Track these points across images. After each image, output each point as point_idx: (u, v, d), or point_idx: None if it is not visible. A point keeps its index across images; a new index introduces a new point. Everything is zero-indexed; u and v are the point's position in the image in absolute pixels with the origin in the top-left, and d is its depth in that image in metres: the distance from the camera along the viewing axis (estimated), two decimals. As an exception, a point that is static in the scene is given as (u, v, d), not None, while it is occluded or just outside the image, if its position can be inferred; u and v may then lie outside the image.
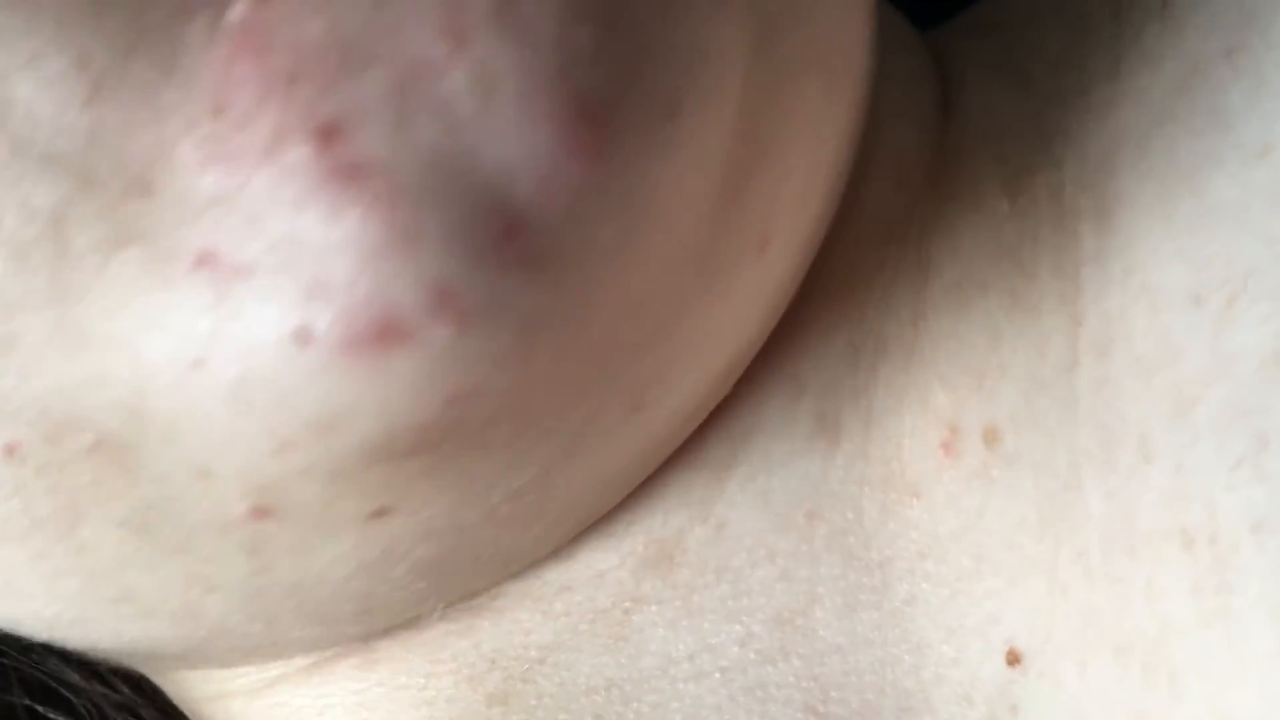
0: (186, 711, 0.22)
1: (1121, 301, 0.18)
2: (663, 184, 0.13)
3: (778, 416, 0.19)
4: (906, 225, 0.20)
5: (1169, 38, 0.19)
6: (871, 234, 0.20)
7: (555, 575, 0.20)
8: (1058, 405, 0.18)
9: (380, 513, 0.15)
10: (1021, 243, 0.19)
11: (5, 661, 0.20)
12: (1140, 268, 0.18)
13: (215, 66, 0.12)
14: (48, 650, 0.20)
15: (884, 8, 0.22)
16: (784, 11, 0.15)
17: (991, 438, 0.19)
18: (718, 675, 0.19)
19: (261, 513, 0.14)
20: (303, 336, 0.12)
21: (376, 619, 0.19)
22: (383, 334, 0.12)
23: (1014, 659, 0.18)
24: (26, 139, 0.12)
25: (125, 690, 0.22)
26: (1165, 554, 0.16)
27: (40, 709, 0.21)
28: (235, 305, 0.12)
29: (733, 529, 0.19)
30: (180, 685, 0.22)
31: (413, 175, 0.12)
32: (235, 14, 0.12)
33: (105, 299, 0.13)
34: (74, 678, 0.21)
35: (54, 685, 0.21)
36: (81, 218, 0.12)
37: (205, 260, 0.12)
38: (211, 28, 0.12)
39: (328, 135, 0.12)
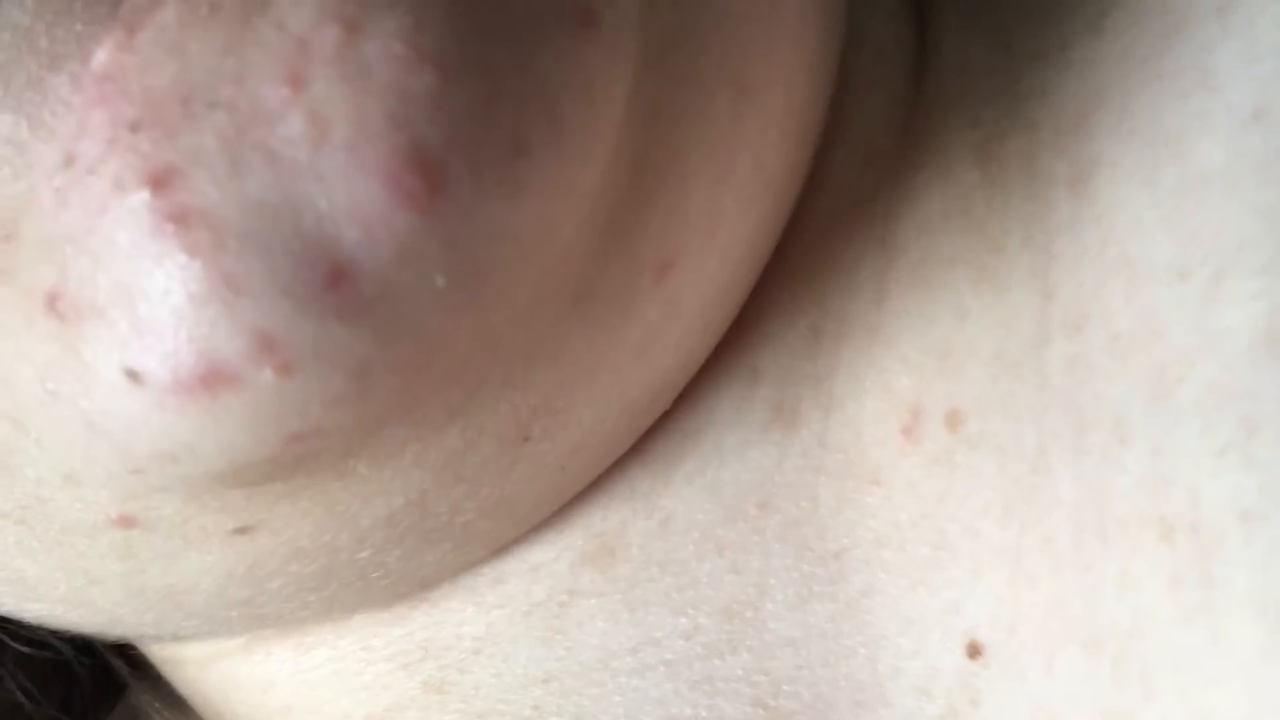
0: (154, 664, 0.23)
1: (1097, 274, 0.17)
2: (507, 224, 0.13)
3: (731, 407, 0.19)
4: (873, 201, 0.19)
5: None
6: (836, 212, 0.19)
7: (488, 568, 0.19)
8: (1026, 385, 0.17)
9: (242, 530, 0.16)
10: (990, 213, 0.18)
11: None
12: (1119, 238, 0.17)
13: (73, 116, 0.13)
14: None
15: None
16: (683, 32, 0.15)
17: (954, 421, 0.18)
18: (662, 669, 0.19)
19: (126, 521, 0.15)
20: (135, 376, 0.13)
21: (275, 621, 0.18)
22: (208, 378, 0.13)
23: (975, 651, 0.17)
24: None
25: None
26: (1141, 543, 0.16)
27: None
28: (77, 343, 0.13)
29: (679, 522, 0.19)
30: (141, 644, 0.22)
31: (238, 222, 0.12)
32: (95, 63, 0.12)
33: None
34: None
35: None
36: None
37: (54, 299, 0.13)
38: (74, 80, 0.13)
39: (160, 183, 0.12)
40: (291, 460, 0.14)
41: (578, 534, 0.19)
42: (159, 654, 0.22)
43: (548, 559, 0.19)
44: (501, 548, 0.19)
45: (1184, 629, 0.15)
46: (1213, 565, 0.15)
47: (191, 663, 0.21)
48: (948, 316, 0.18)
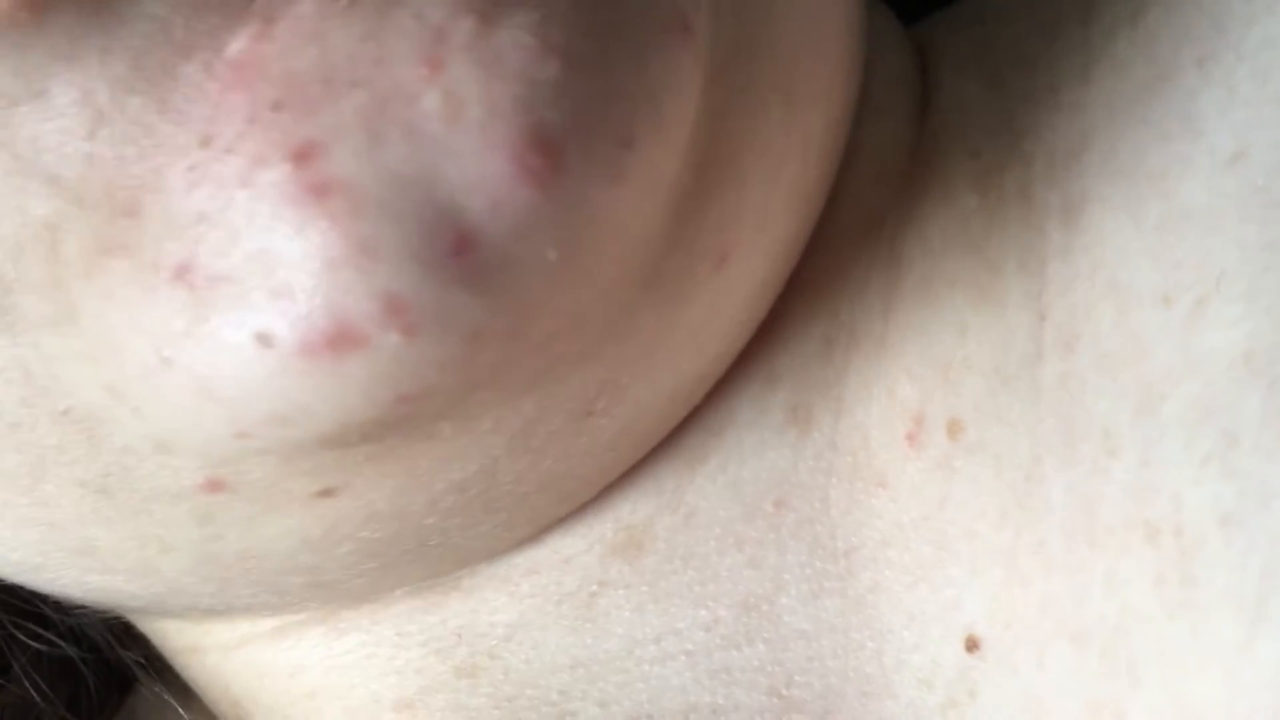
0: (167, 657, 0.23)
1: (1088, 297, 0.18)
2: (611, 209, 0.14)
3: (751, 408, 0.20)
4: (882, 220, 0.20)
5: (1139, 44, 0.19)
6: (849, 228, 0.20)
7: (521, 559, 0.20)
8: (1020, 398, 0.18)
9: (326, 493, 0.16)
10: (989, 238, 0.19)
11: None
12: (1107, 265, 0.18)
13: (207, 101, 0.13)
14: None
15: (875, 8, 0.22)
16: (743, 44, 0.16)
17: (955, 429, 0.19)
18: (683, 658, 0.19)
19: (214, 485, 0.16)
20: (265, 339, 0.13)
21: (329, 593, 0.19)
22: (337, 340, 0.13)
23: (973, 645, 0.18)
24: (30, 158, 0.13)
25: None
26: (1128, 545, 0.17)
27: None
28: (207, 310, 0.13)
29: (702, 517, 0.20)
30: (159, 634, 0.22)
31: (375, 193, 0.13)
32: (233, 49, 0.13)
33: (92, 299, 0.14)
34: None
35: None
36: (72, 229, 0.13)
37: (184, 271, 0.13)
38: (207, 67, 0.13)
39: (302, 157, 0.13)
40: (393, 422, 0.15)
41: (608, 526, 0.20)
42: (176, 643, 0.22)
43: (579, 550, 0.20)
44: (539, 532, 0.20)
45: (1167, 624, 0.16)
46: (1194, 566, 0.16)
47: (215, 649, 0.21)
48: (949, 332, 0.19)
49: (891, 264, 0.20)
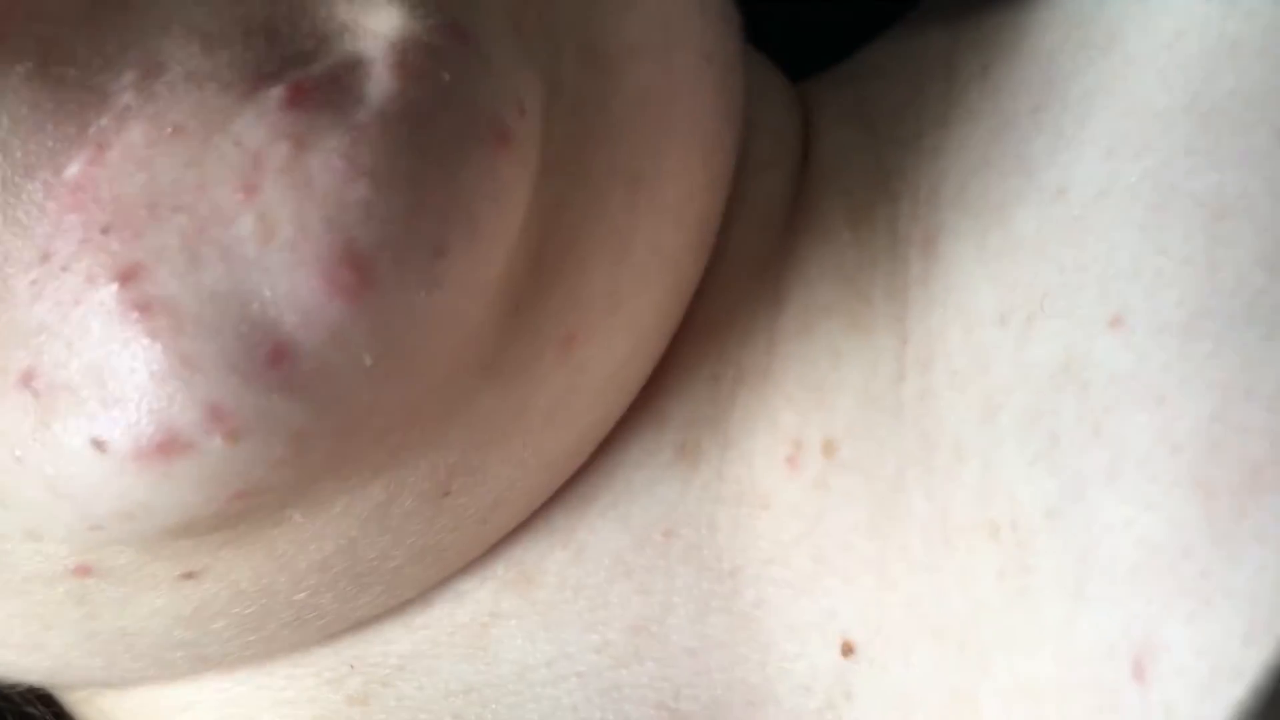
0: (67, 706, 0.23)
1: (942, 320, 0.19)
2: (424, 313, 0.14)
3: (641, 449, 0.21)
4: (766, 264, 0.21)
5: (988, 96, 0.21)
6: (735, 274, 0.21)
7: (416, 595, 0.20)
8: (887, 415, 0.19)
9: (189, 575, 0.17)
10: (860, 269, 0.21)
11: None
12: (957, 289, 0.19)
13: (47, 219, 0.14)
14: None
15: (759, 66, 0.24)
16: (581, 137, 0.17)
17: (829, 449, 0.20)
18: (574, 679, 0.20)
19: (83, 570, 0.16)
20: (99, 445, 0.14)
21: (211, 664, 0.19)
22: (165, 445, 0.14)
23: (848, 650, 0.19)
24: None
25: None
26: (975, 544, 0.18)
27: None
28: (49, 416, 0.14)
29: (591, 551, 0.20)
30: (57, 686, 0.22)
31: (194, 310, 0.14)
32: (69, 173, 0.14)
33: None
34: None
35: None
36: None
37: (29, 378, 0.14)
38: (47, 187, 0.14)
39: (128, 277, 0.14)
40: (235, 514, 0.16)
41: (499, 565, 0.20)
42: (74, 693, 0.22)
43: (471, 586, 0.20)
44: (424, 593, 0.20)
45: (1009, 612, 0.17)
46: (1028, 556, 0.17)
47: (109, 693, 0.21)
48: (825, 358, 0.20)
49: (774, 301, 0.21)
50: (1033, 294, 0.18)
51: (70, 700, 0.22)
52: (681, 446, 0.20)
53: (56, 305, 0.14)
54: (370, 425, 0.15)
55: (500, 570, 0.20)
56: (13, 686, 0.22)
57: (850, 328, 0.20)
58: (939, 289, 0.20)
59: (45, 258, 0.14)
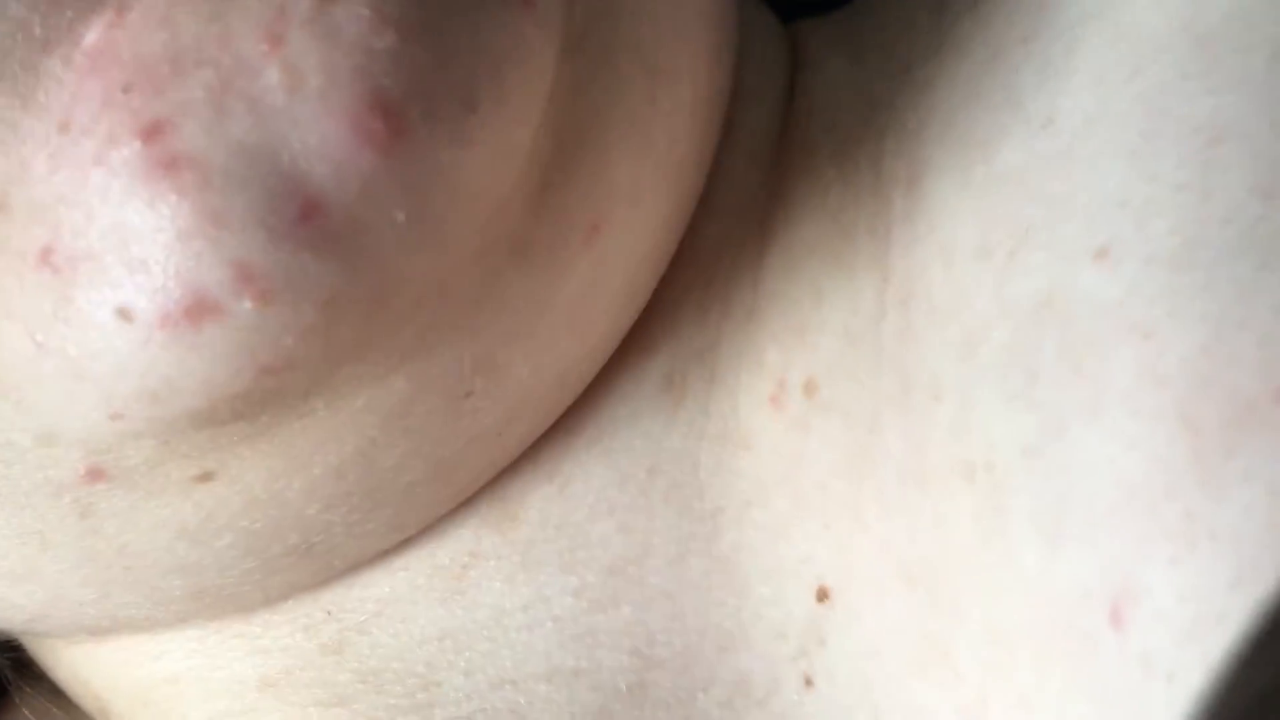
0: (36, 658, 0.22)
1: (923, 257, 0.19)
2: (457, 171, 0.14)
3: (628, 379, 0.20)
4: (754, 197, 0.21)
5: (979, 27, 0.20)
6: (724, 207, 0.21)
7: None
8: (866, 354, 0.19)
9: (203, 477, 0.16)
10: (844, 207, 0.20)
11: None
12: (939, 226, 0.19)
13: (66, 91, 0.13)
14: None
15: (750, 3, 0.23)
16: (601, 17, 0.17)
17: (811, 388, 0.19)
18: (550, 624, 0.20)
19: (95, 474, 0.16)
20: (125, 314, 0.13)
21: (212, 601, 0.19)
22: (193, 310, 0.13)
23: (823, 595, 0.19)
24: None
25: None
26: (950, 485, 0.17)
27: None
28: (70, 290, 0.13)
29: (576, 486, 0.20)
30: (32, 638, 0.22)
31: (222, 164, 0.13)
32: (88, 40, 0.13)
33: None
34: None
35: None
36: None
37: (48, 253, 0.13)
38: (66, 59, 0.13)
39: (152, 134, 0.13)
40: (261, 395, 0.15)
41: (483, 501, 0.20)
42: (44, 641, 0.22)
43: (453, 524, 0.20)
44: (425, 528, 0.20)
45: (982, 555, 0.17)
46: (1002, 496, 0.16)
47: (86, 641, 0.21)
48: (808, 297, 0.20)
49: (761, 237, 0.20)
50: (1016, 228, 0.17)
51: (40, 653, 0.22)
52: (668, 378, 0.20)
53: (75, 172, 0.13)
54: (401, 295, 0.15)
55: (483, 506, 0.20)
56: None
57: (833, 266, 0.20)
58: (922, 226, 0.19)
59: (64, 127, 0.13)
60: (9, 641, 0.22)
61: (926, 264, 0.19)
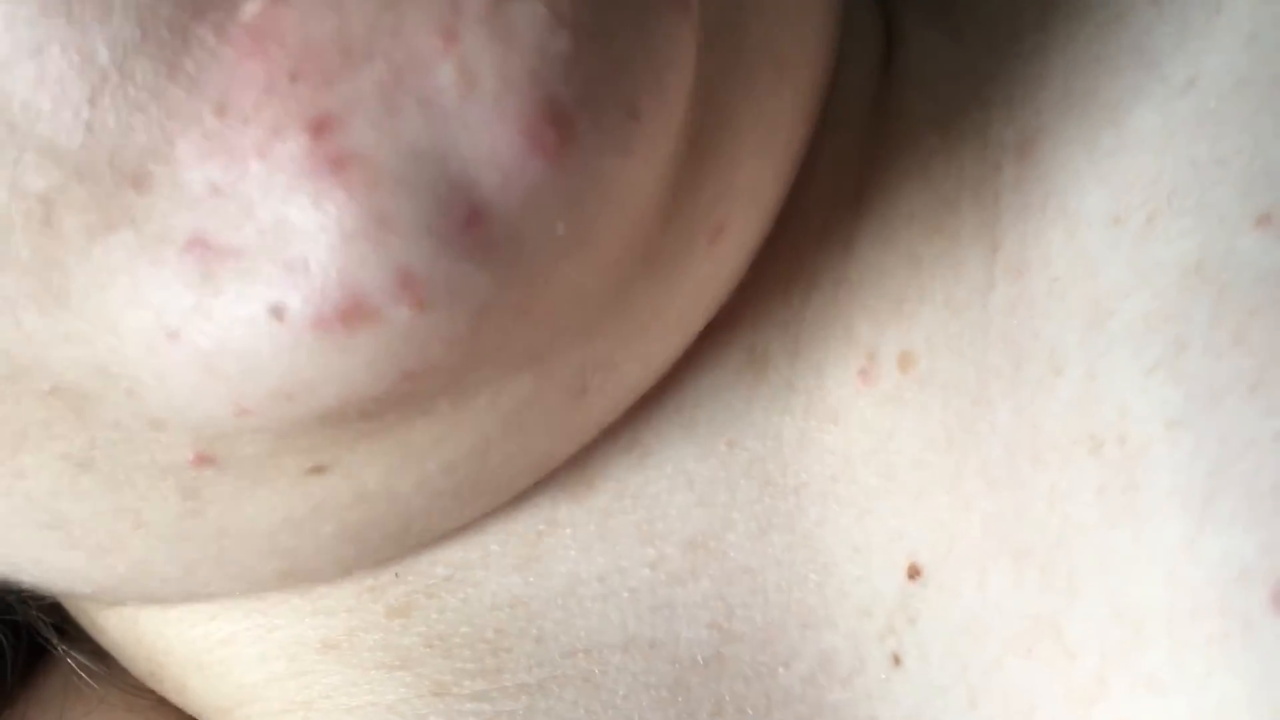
0: (81, 620, 0.22)
1: (1039, 226, 0.18)
2: (616, 181, 0.13)
3: (710, 350, 0.19)
4: (847, 164, 0.20)
5: None
6: (815, 176, 0.20)
7: None
8: (971, 326, 0.18)
9: (317, 470, 0.16)
10: (946, 175, 0.19)
11: None
12: (1058, 193, 0.18)
13: (223, 66, 0.12)
14: None
15: None
16: (730, 11, 0.16)
17: (906, 362, 0.19)
18: (626, 594, 0.19)
19: (204, 461, 0.15)
20: (277, 312, 0.13)
21: (296, 580, 0.18)
22: (350, 313, 0.13)
23: (914, 573, 0.18)
24: (24, 127, 0.12)
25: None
26: (1071, 459, 0.16)
27: None
28: (219, 283, 0.13)
29: (655, 456, 0.19)
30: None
31: (391, 165, 0.12)
32: (248, 13, 0.12)
33: (89, 274, 0.13)
34: None
35: None
36: (72, 203, 0.13)
37: (196, 244, 0.13)
38: (219, 29, 0.12)
39: (320, 129, 0.12)
40: (396, 398, 0.14)
41: (560, 466, 0.19)
42: (93, 601, 0.21)
43: (531, 492, 0.19)
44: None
45: (1108, 532, 0.16)
46: (1138, 471, 0.16)
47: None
48: (904, 267, 0.19)
49: (854, 207, 0.20)
50: (1155, 192, 0.17)
51: (89, 613, 0.21)
52: (751, 349, 0.19)
53: (233, 162, 0.12)
54: (546, 303, 0.14)
55: (561, 474, 0.19)
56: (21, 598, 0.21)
57: (933, 235, 0.19)
58: (1036, 194, 0.18)
59: (221, 110, 0.12)
60: (52, 602, 0.22)
61: (1043, 232, 0.18)
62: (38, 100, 0.12)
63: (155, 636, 0.20)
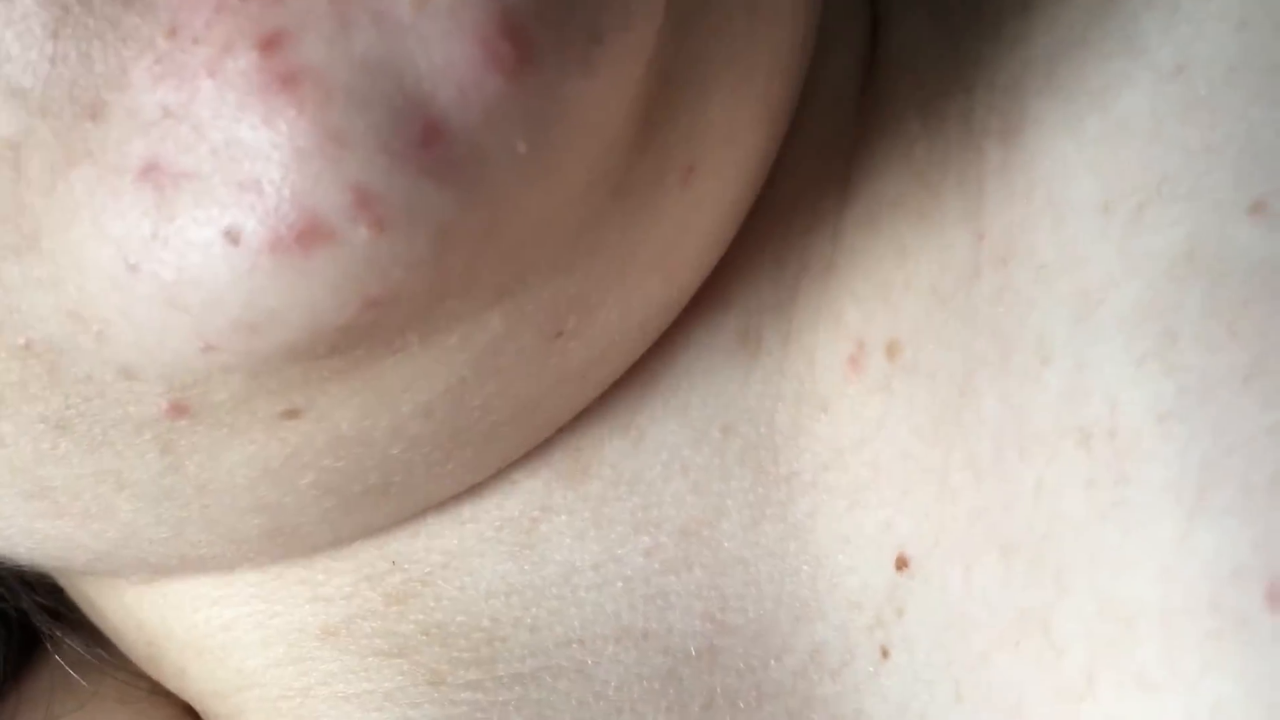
0: (81, 604, 0.22)
1: (1025, 214, 0.18)
2: (578, 103, 0.13)
3: (703, 332, 0.19)
4: (833, 149, 0.20)
5: None
6: (805, 156, 0.20)
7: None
8: (956, 315, 0.18)
9: (290, 414, 0.15)
10: (930, 161, 0.19)
11: None
12: (1044, 181, 0.18)
13: None
14: None
15: None
16: None
17: (894, 350, 0.19)
18: (620, 584, 0.19)
19: (178, 410, 0.15)
20: (232, 236, 0.13)
21: (286, 541, 0.18)
22: (306, 234, 0.13)
23: (902, 564, 0.18)
24: None
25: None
26: (1059, 451, 0.16)
27: None
28: (174, 208, 0.12)
29: (650, 441, 0.19)
30: (76, 578, 0.21)
31: (344, 80, 0.12)
32: None
33: (57, 215, 0.13)
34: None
35: None
36: (37, 143, 0.13)
37: (150, 169, 0.12)
38: None
39: (271, 45, 0.12)
40: (361, 329, 0.14)
41: (555, 452, 0.19)
42: (94, 583, 0.21)
43: (524, 475, 0.19)
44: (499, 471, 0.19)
45: (1098, 527, 0.16)
46: (1128, 465, 0.15)
47: (140, 583, 0.20)
48: (890, 253, 0.19)
49: (841, 192, 0.20)
50: (1146, 179, 0.16)
51: (88, 596, 0.21)
52: (744, 333, 0.19)
53: (184, 83, 0.12)
54: (511, 229, 0.14)
55: (556, 457, 0.19)
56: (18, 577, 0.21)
57: (918, 222, 0.19)
58: (1021, 181, 0.18)
59: (172, 32, 0.12)
60: (49, 585, 0.22)
61: (1030, 220, 0.18)
62: (5, 42, 0.12)
63: (157, 621, 0.20)
